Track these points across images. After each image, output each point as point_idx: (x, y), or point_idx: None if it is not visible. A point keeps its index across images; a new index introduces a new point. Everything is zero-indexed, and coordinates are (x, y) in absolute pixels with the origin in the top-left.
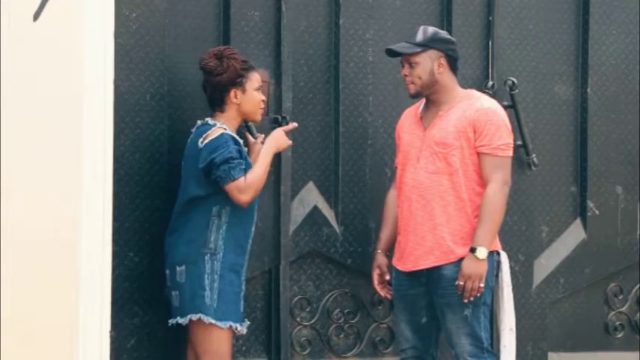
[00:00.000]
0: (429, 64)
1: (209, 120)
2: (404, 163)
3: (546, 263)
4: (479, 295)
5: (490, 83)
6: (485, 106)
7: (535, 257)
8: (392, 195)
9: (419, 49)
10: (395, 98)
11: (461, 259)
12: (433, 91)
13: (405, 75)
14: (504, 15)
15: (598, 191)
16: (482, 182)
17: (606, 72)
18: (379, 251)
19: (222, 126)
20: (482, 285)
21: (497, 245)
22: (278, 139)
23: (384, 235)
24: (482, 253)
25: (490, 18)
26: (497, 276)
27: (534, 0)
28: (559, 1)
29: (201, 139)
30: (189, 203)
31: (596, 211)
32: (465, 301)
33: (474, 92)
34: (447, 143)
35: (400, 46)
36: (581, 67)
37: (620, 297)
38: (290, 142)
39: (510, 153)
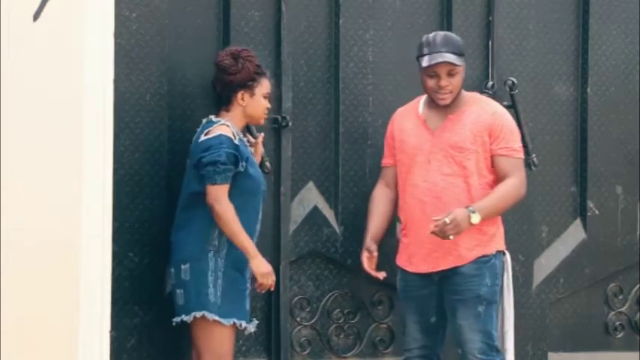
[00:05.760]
0: (463, 73)
1: (213, 117)
2: (409, 165)
3: (546, 263)
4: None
5: (490, 83)
6: (498, 110)
7: (535, 257)
8: (381, 191)
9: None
10: (395, 98)
11: (477, 258)
12: None
13: (445, 85)
14: (504, 15)
15: (598, 191)
16: (495, 185)
17: (606, 72)
18: (368, 237)
19: (226, 123)
20: (451, 237)
21: (503, 246)
22: (262, 270)
23: (374, 226)
24: (475, 219)
25: (490, 18)
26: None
27: (534, 0)
28: (559, 1)
29: (202, 136)
30: (192, 200)
31: (596, 211)
32: (431, 229)
33: (478, 95)
34: (463, 147)
35: (448, 57)
36: (581, 67)
37: (620, 297)
38: (270, 281)
39: (523, 156)
